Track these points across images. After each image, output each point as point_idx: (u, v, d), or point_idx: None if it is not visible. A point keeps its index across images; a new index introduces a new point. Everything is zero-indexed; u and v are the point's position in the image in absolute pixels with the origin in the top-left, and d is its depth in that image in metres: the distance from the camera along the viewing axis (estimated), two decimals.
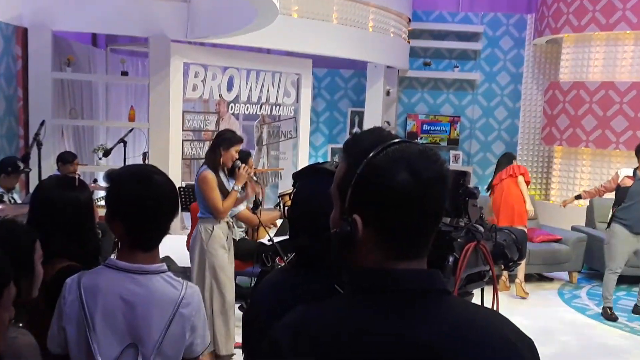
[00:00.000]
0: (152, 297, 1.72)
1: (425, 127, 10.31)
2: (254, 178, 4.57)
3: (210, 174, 4.26)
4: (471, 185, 1.75)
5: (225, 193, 4.30)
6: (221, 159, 4.31)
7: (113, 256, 3.49)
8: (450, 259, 1.44)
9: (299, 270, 1.46)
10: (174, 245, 5.91)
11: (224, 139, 4.34)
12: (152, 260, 1.76)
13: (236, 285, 4.81)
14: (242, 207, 4.72)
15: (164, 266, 1.79)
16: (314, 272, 1.39)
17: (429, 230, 1.03)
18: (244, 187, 4.44)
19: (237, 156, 4.38)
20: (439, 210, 1.03)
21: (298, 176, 1.56)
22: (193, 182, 7.62)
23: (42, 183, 2.25)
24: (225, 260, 4.33)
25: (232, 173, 4.40)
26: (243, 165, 4.36)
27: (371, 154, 1.01)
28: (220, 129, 7.88)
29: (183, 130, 7.68)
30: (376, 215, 1.00)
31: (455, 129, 10.28)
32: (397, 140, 1.04)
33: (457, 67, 10.21)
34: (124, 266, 1.73)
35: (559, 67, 9.31)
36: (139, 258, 1.75)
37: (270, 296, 1.45)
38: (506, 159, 6.89)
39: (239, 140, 4.42)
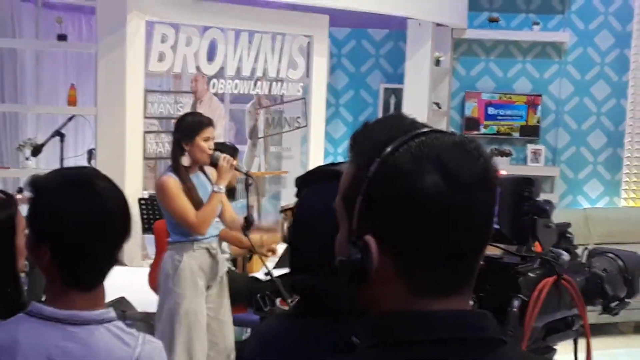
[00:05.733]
0: (93, 359, 1.73)
1: (491, 110, 10.25)
2: (240, 168, 4.59)
3: (171, 179, 4.30)
4: (542, 196, 1.72)
5: (201, 203, 4.31)
6: (187, 158, 4.34)
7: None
8: (516, 302, 1.44)
9: (303, 317, 1.47)
10: (132, 282, 5.93)
11: (183, 128, 4.37)
12: (93, 304, 1.78)
13: None
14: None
15: (111, 313, 1.80)
16: (322, 319, 1.40)
17: (472, 255, 1.05)
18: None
19: (211, 146, 4.39)
20: (484, 226, 1.05)
21: (303, 182, 1.58)
22: None
23: None
24: (198, 306, 4.35)
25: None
26: (223, 156, 4.35)
27: (387, 150, 1.03)
28: None
29: (145, 117, 7.69)
30: (395, 235, 1.02)
31: (535, 113, 10.23)
32: (423, 130, 1.06)
33: (538, 24, 10.16)
34: (52, 314, 1.74)
35: None
36: (76, 302, 1.76)
37: (262, 354, 1.46)
38: None
39: (205, 122, 4.39)
